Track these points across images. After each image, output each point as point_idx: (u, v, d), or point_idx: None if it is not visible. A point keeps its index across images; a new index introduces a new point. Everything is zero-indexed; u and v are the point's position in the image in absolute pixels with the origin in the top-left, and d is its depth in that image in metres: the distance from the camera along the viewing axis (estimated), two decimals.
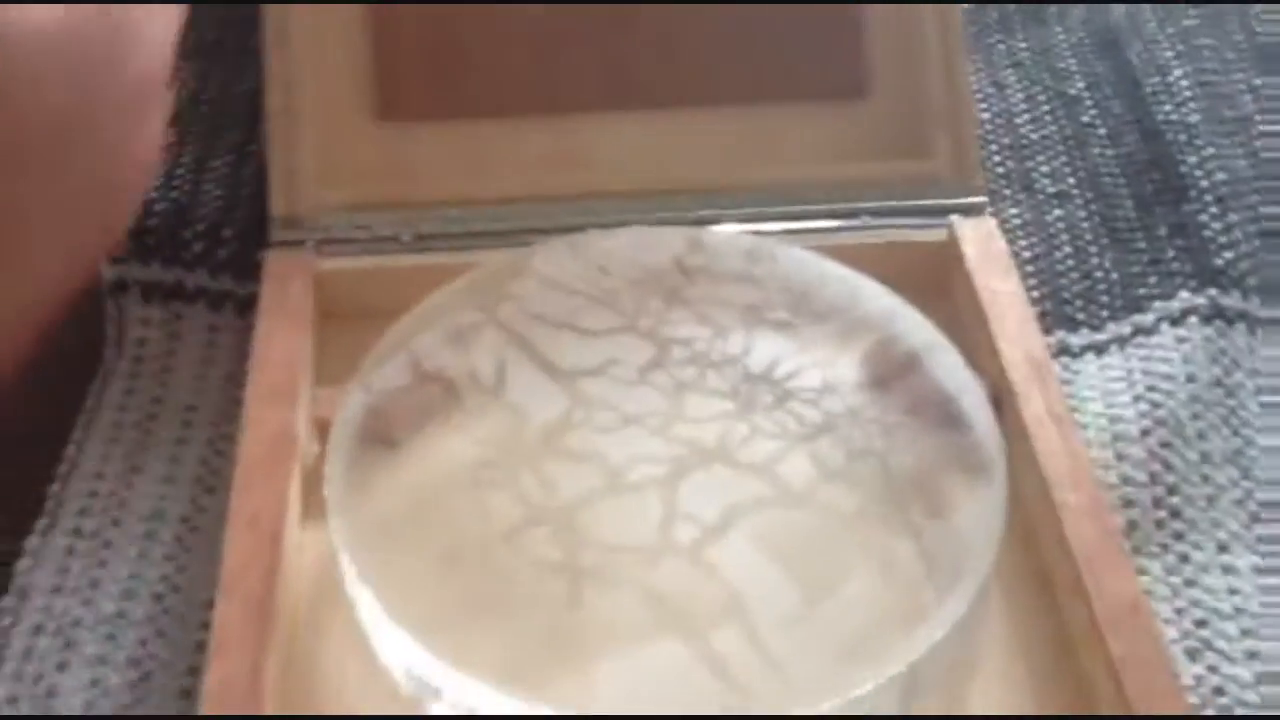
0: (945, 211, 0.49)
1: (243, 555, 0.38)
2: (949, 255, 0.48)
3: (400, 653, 0.35)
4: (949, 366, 0.41)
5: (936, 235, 0.49)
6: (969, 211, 0.49)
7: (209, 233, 0.52)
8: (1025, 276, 0.51)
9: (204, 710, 0.35)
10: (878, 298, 0.43)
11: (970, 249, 0.48)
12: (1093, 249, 0.53)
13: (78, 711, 0.40)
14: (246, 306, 0.51)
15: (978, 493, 0.37)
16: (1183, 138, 0.57)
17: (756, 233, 0.47)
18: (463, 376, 0.41)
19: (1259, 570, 0.42)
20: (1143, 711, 0.35)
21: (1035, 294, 0.51)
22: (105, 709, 0.40)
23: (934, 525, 0.37)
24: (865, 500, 0.38)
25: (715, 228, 0.47)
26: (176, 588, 0.43)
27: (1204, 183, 0.55)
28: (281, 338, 0.45)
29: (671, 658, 0.34)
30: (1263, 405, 0.47)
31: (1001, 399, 0.43)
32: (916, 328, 0.42)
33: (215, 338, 0.51)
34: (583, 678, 0.34)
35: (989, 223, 0.49)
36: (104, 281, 0.51)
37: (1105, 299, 0.51)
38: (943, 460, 0.39)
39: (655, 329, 0.43)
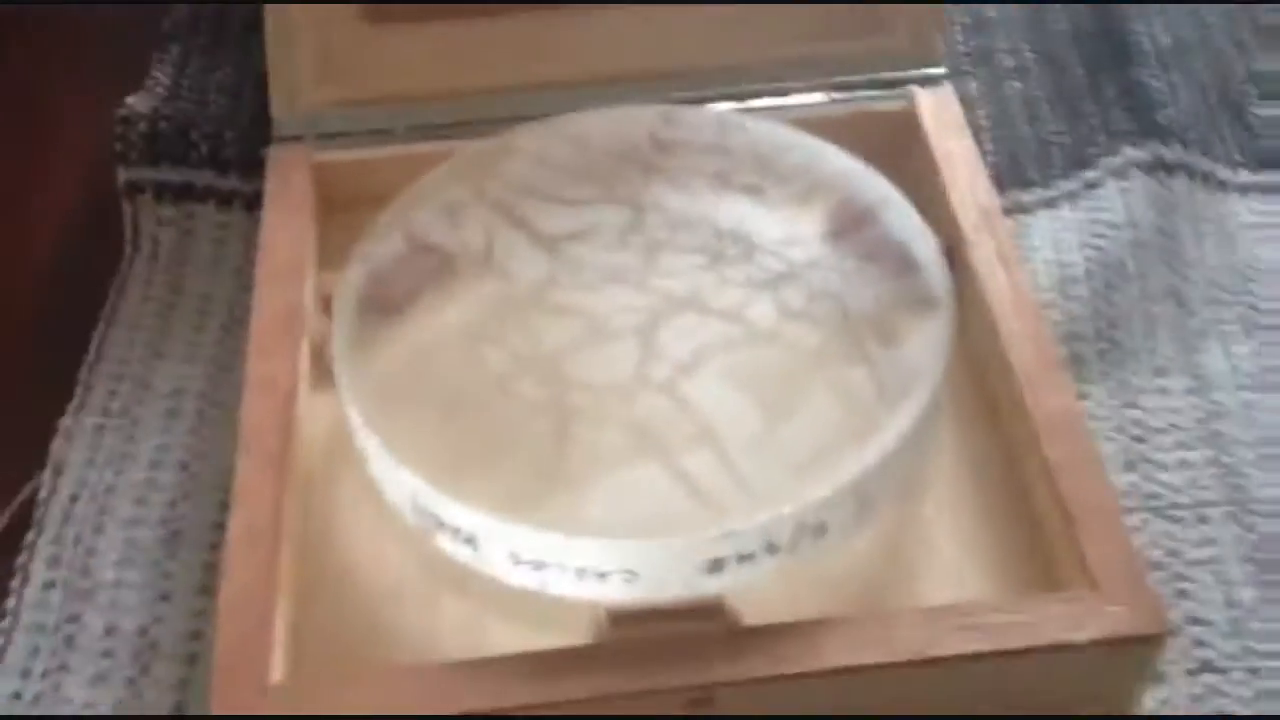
0: (906, 83, 0.52)
1: (260, 415, 0.42)
2: (909, 122, 0.51)
3: (405, 492, 0.39)
4: (903, 218, 0.44)
5: (898, 105, 0.52)
6: (928, 82, 0.52)
7: (214, 135, 0.55)
8: (984, 143, 0.55)
9: (230, 553, 0.39)
10: (838, 159, 0.47)
11: (928, 115, 0.51)
12: (1047, 114, 0.56)
13: (114, 562, 0.44)
14: (253, 203, 0.55)
15: (926, 324, 0.41)
16: (1133, 7, 0.60)
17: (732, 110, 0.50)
18: (455, 246, 0.45)
19: (1191, 391, 0.46)
20: (1076, 510, 0.38)
21: (993, 158, 0.54)
22: (141, 564, 0.44)
23: (886, 354, 0.40)
24: (824, 336, 0.41)
25: (689, 107, 0.50)
26: (200, 455, 0.47)
27: (1148, 47, 0.58)
28: (285, 225, 0.48)
29: (650, 479, 0.38)
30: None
31: (955, 248, 0.46)
32: (873, 185, 0.46)
33: (225, 233, 0.55)
34: (570, 500, 0.38)
35: (946, 90, 0.52)
36: (119, 183, 0.54)
37: (1057, 159, 0.54)
38: (896, 299, 0.42)
39: (632, 196, 0.46)
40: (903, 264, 0.43)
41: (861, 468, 0.37)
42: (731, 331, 0.41)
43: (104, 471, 0.47)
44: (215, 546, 0.44)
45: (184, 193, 0.55)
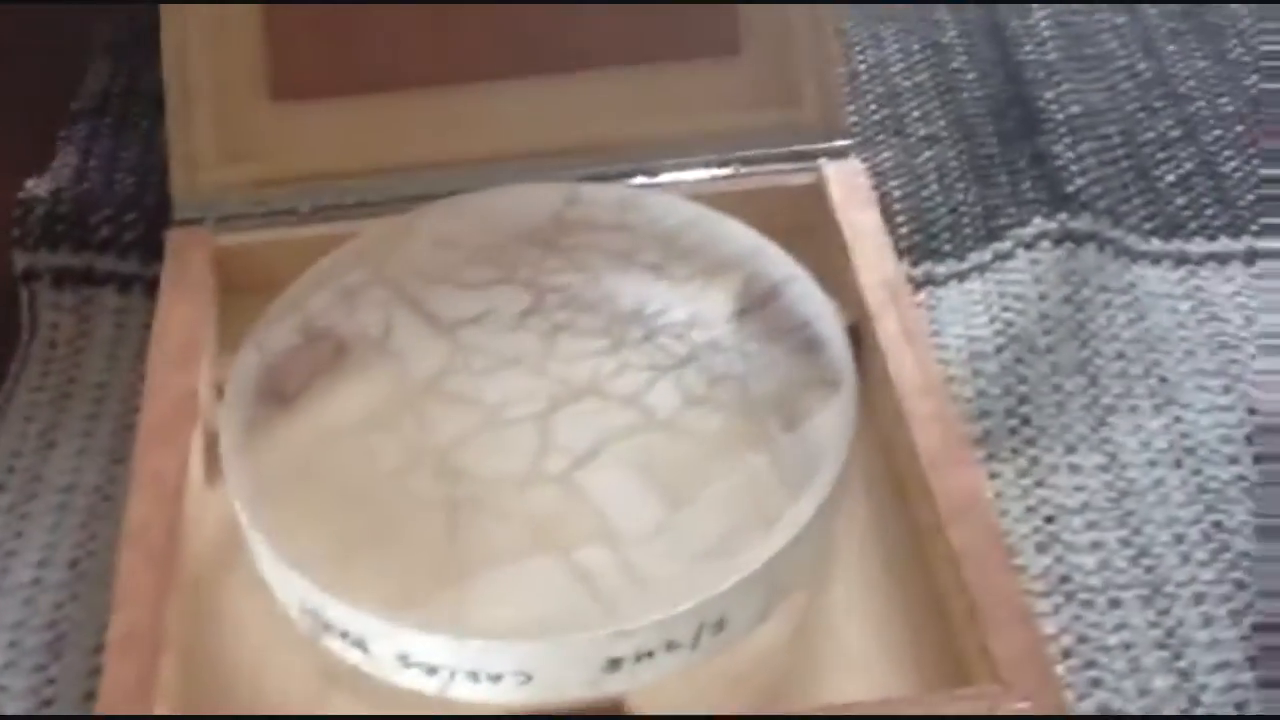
0: (815, 156, 0.52)
1: (145, 511, 0.41)
2: (817, 196, 0.51)
3: (293, 591, 0.38)
4: (806, 295, 0.44)
5: (806, 179, 0.51)
6: (835, 155, 0.52)
7: (116, 218, 0.54)
8: (895, 214, 0.54)
9: (109, 658, 0.38)
10: (742, 236, 0.46)
11: (836, 188, 0.50)
12: (959, 185, 0.56)
13: None
14: (155, 288, 0.53)
15: (829, 406, 0.40)
16: (1042, 75, 0.60)
17: (638, 186, 0.50)
18: (351, 333, 0.43)
19: (1102, 469, 0.45)
20: (981, 600, 0.37)
21: (905, 229, 0.54)
22: (25, 668, 0.42)
23: (789, 437, 0.40)
24: (726, 420, 0.40)
25: (594, 184, 0.50)
26: (91, 553, 0.45)
27: (1059, 115, 0.58)
28: (182, 309, 0.47)
29: (542, 574, 0.37)
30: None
31: (861, 325, 0.45)
32: (777, 262, 0.45)
33: (125, 319, 0.53)
34: (460, 597, 0.36)
35: (854, 164, 0.51)
36: (15, 269, 0.53)
37: (969, 230, 0.54)
38: (799, 379, 0.41)
39: (533, 278, 0.45)
40: (806, 343, 0.43)
41: (763, 557, 0.36)
42: (631, 418, 0.41)
43: None
44: (102, 650, 0.42)
45: (83, 278, 0.54)
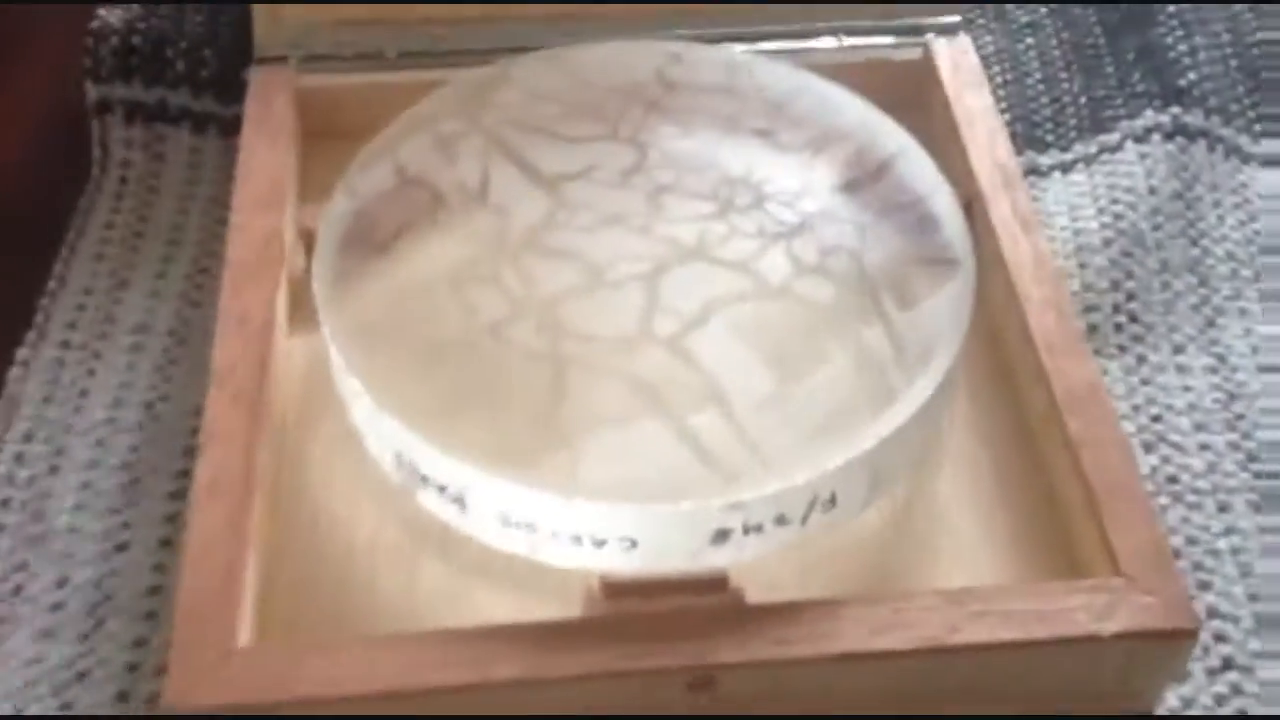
0: (922, 31, 0.50)
1: (233, 351, 0.39)
2: (924, 72, 0.49)
3: (388, 441, 0.37)
4: (921, 170, 0.42)
5: (913, 54, 0.49)
6: (944, 31, 0.50)
7: (192, 52, 0.52)
8: (997, 101, 0.52)
9: (196, 499, 0.36)
10: (853, 107, 0.44)
11: (945, 66, 0.48)
12: (1062, 74, 0.54)
13: (69, 508, 0.41)
14: (229, 129, 0.52)
15: (946, 285, 0.39)
16: None
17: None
18: (446, 181, 0.42)
19: (1210, 370, 0.44)
20: (1100, 491, 0.36)
21: (1006, 117, 0.52)
22: (98, 509, 0.41)
23: (904, 315, 0.38)
24: (839, 292, 0.39)
25: (698, 44, 0.48)
26: (165, 396, 0.44)
27: (1170, 8, 0.56)
28: (266, 151, 0.45)
29: (653, 437, 0.35)
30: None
31: (971, 205, 0.44)
32: (890, 135, 0.43)
33: (199, 159, 0.52)
34: (567, 457, 0.35)
35: (964, 41, 0.49)
36: (89, 101, 0.51)
37: (1073, 121, 0.52)
38: (914, 257, 0.40)
39: (635, 136, 0.43)
40: (921, 220, 0.41)
41: (880, 435, 0.35)
42: (741, 284, 0.39)
43: (62, 409, 0.44)
44: (178, 496, 0.41)
45: (156, 113, 0.52)
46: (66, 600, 0.39)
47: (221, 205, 0.50)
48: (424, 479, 0.36)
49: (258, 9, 0.49)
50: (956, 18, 0.50)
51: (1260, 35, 0.55)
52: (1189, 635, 0.34)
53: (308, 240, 0.43)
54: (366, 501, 0.39)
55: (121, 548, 0.40)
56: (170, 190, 0.50)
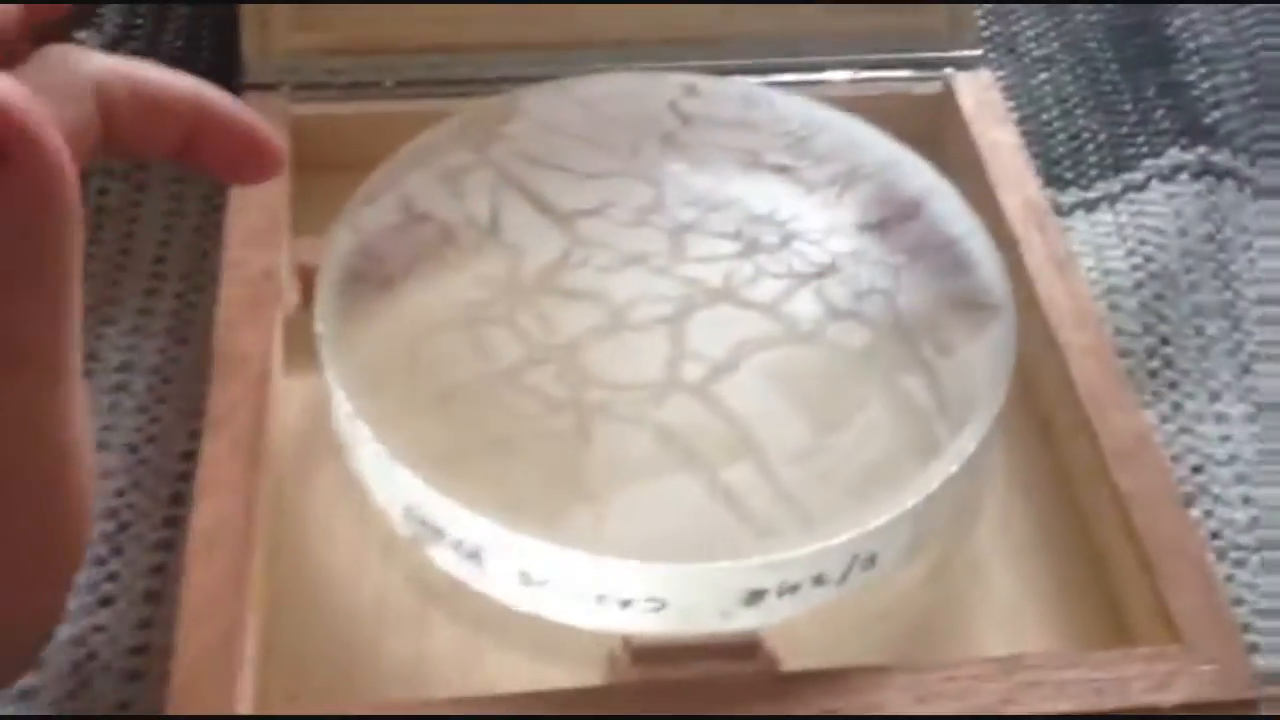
0: (941, 65, 0.48)
1: (230, 395, 0.37)
2: (945, 107, 0.47)
3: (399, 493, 0.34)
4: (952, 210, 0.40)
5: (932, 88, 0.48)
6: (964, 65, 0.48)
7: None
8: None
9: (193, 551, 0.34)
10: (877, 143, 0.42)
11: (967, 100, 0.47)
12: (1079, 110, 0.53)
13: None
14: None
15: (987, 331, 0.37)
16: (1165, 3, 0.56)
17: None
18: (456, 216, 0.40)
19: (1250, 419, 0.42)
20: (1153, 551, 0.34)
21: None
22: (86, 559, 0.39)
23: (944, 362, 0.36)
24: (874, 337, 0.37)
25: (713, 77, 0.46)
26: (151, 438, 0.42)
27: (1190, 45, 0.54)
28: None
29: (683, 491, 0.33)
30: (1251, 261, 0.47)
31: (1003, 249, 0.42)
32: (918, 172, 0.41)
33: (181, 189, 0.49)
34: (592, 511, 0.33)
35: (985, 75, 0.48)
36: None
37: (1094, 158, 0.50)
38: (951, 301, 0.38)
39: (652, 172, 0.41)
40: (956, 262, 0.39)
41: (926, 490, 0.33)
42: (771, 328, 0.37)
43: None
44: (167, 546, 0.39)
45: None
46: (46, 658, 0.36)
47: (206, 237, 0.48)
48: (437, 533, 0.34)
49: (247, 34, 0.47)
50: (977, 51, 0.49)
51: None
52: (1250, 705, 0.32)
53: (304, 277, 0.41)
54: (371, 557, 0.36)
55: (106, 601, 0.38)
56: (152, 222, 0.48)
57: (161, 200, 0.49)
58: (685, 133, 0.43)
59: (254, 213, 0.42)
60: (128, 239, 0.48)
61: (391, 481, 0.34)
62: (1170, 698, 0.32)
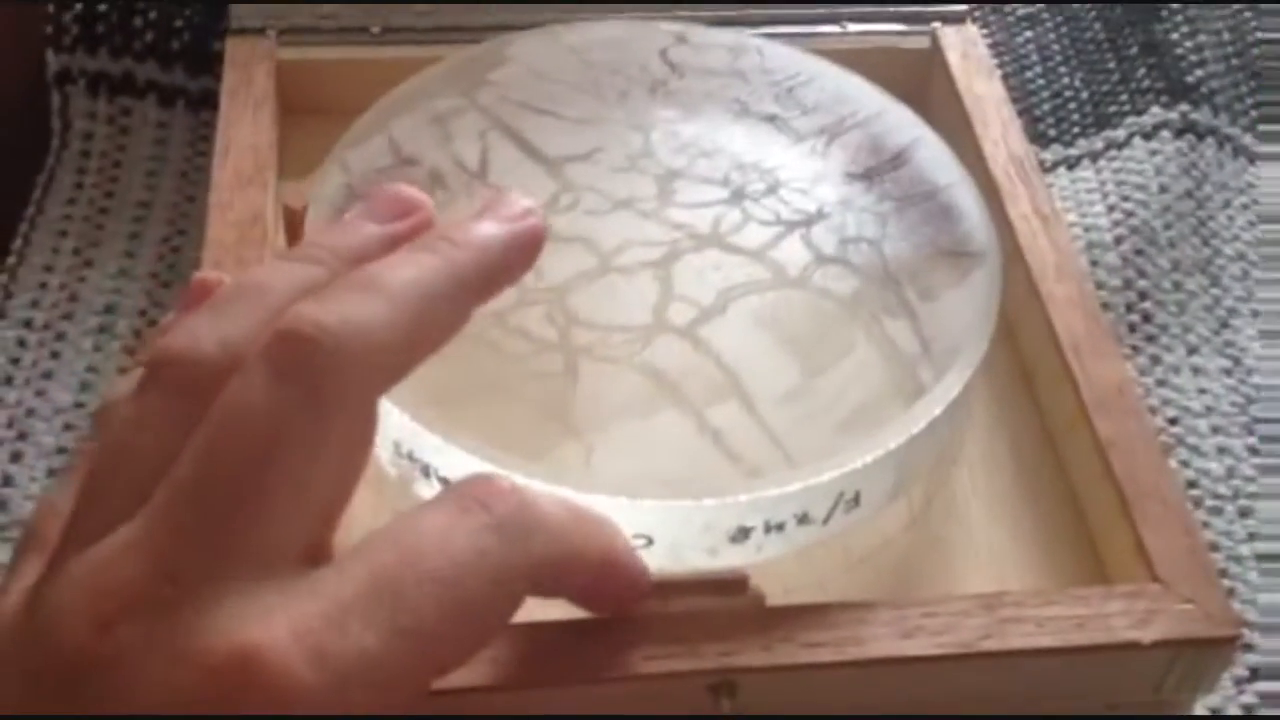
0: (928, 19, 0.48)
1: None
2: (932, 61, 0.47)
3: (388, 431, 0.34)
4: (939, 159, 0.40)
5: (920, 41, 0.48)
6: (951, 20, 0.48)
7: (161, 22, 0.50)
8: None
9: None
10: (865, 93, 0.42)
11: (953, 55, 0.47)
12: (1062, 68, 0.53)
13: (32, 496, 0.39)
14: (199, 102, 0.49)
15: (971, 278, 0.37)
16: None
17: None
18: (444, 160, 0.40)
19: (1226, 372, 0.43)
20: (1132, 493, 0.35)
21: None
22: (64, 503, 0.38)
23: (928, 307, 0.37)
24: (861, 283, 0.37)
25: (704, 26, 0.46)
26: None
27: (1173, 4, 0.55)
28: (247, 124, 0.43)
29: (671, 430, 0.34)
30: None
31: (985, 199, 0.42)
32: (906, 123, 0.42)
33: (167, 134, 0.49)
34: (580, 449, 0.33)
35: (971, 30, 0.48)
36: (49, 71, 0.49)
37: (1076, 116, 0.51)
38: (937, 248, 0.38)
39: (641, 119, 0.41)
40: (942, 210, 0.39)
41: (909, 432, 0.33)
42: (759, 273, 0.37)
43: (23, 391, 0.41)
44: None
45: (122, 86, 0.49)
46: None
47: (191, 181, 0.48)
48: (425, 470, 0.34)
49: None
50: (963, 6, 0.49)
51: (1260, 35, 0.54)
52: (1229, 643, 0.33)
53: (289, 218, 0.41)
54: (359, 494, 0.36)
55: None
56: (137, 165, 0.48)
57: (147, 145, 0.49)
58: (675, 81, 0.43)
59: (240, 154, 0.42)
60: (113, 183, 0.48)
61: (380, 420, 0.34)
62: (1150, 633, 0.32)
